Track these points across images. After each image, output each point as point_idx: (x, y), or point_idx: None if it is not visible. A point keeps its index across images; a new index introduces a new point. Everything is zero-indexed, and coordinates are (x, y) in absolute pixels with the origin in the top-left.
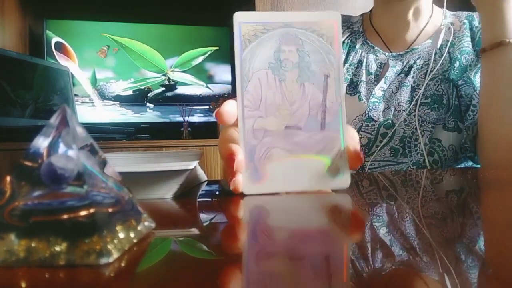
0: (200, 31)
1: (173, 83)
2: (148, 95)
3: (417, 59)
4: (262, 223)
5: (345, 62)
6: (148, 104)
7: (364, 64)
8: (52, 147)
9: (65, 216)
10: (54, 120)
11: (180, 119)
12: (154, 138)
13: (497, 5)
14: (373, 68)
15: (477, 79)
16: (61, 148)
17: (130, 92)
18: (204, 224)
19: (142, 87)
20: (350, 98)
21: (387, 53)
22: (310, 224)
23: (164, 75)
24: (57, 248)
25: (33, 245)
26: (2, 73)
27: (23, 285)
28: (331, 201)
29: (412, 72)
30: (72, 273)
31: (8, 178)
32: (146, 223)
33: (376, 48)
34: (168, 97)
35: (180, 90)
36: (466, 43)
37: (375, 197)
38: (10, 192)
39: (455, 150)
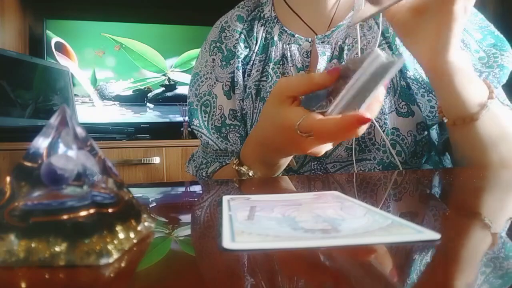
0: (200, 31)
1: (173, 83)
2: (148, 95)
3: (345, 38)
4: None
5: (268, 61)
6: (148, 104)
7: (288, 58)
8: (52, 147)
9: (65, 217)
10: (54, 120)
11: (180, 119)
12: (154, 138)
13: (451, 86)
14: (299, 61)
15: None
16: (61, 148)
17: (130, 92)
18: (205, 223)
19: (142, 87)
20: None
21: (310, 39)
22: None
23: (164, 75)
24: (57, 249)
25: (33, 245)
26: (2, 73)
27: (23, 285)
28: None
29: (344, 55)
30: (72, 274)
31: (8, 178)
32: (146, 223)
33: (296, 36)
34: (168, 97)
35: (180, 90)
36: None
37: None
38: (10, 192)
39: (413, 134)
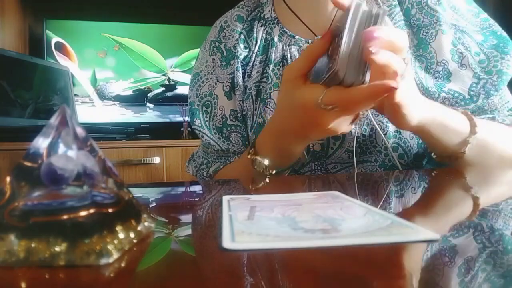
0: (200, 31)
1: (173, 83)
2: (148, 95)
3: None
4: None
5: (268, 62)
6: (148, 104)
7: (289, 60)
8: (52, 147)
9: (65, 217)
10: (54, 120)
11: (180, 119)
12: (154, 138)
13: (426, 138)
14: None
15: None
16: (61, 148)
17: (130, 92)
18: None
19: (142, 87)
20: None
21: (310, 40)
22: None
23: (164, 75)
24: (57, 249)
25: (33, 245)
26: (2, 73)
27: (23, 285)
28: None
29: None
30: (72, 274)
31: (8, 178)
32: (146, 223)
33: (297, 37)
34: (168, 97)
35: (180, 90)
36: (397, 16)
37: None
38: (10, 192)
39: (415, 137)
